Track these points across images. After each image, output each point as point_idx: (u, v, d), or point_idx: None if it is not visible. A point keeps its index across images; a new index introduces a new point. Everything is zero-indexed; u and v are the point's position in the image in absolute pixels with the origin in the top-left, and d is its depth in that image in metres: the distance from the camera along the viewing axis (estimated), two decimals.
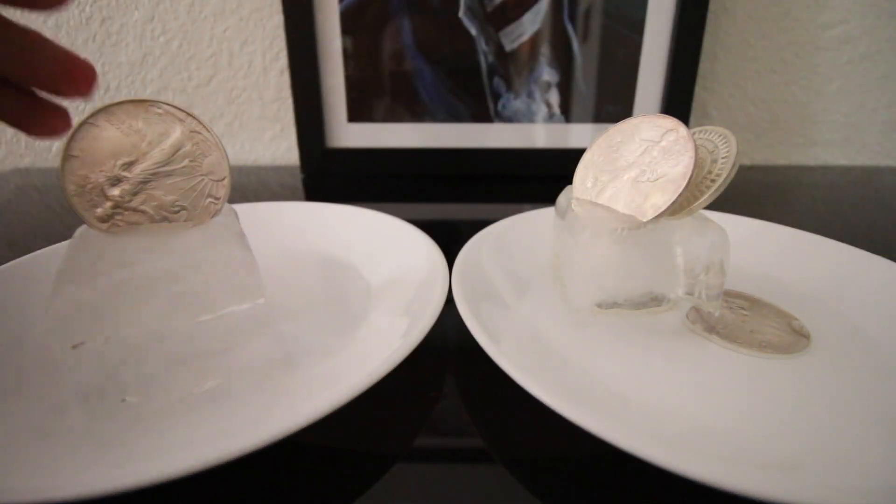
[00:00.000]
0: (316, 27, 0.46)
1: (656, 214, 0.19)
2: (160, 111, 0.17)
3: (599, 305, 0.22)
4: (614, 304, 0.22)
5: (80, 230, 0.18)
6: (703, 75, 0.53)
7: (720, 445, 0.15)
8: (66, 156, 0.16)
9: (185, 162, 0.18)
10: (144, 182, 0.17)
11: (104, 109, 0.17)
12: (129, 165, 0.17)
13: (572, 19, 0.47)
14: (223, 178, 0.18)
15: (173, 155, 0.17)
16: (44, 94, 0.16)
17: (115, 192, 0.17)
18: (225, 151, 0.18)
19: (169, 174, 0.17)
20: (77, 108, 0.53)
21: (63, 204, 0.41)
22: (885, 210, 0.40)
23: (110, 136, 0.17)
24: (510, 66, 0.48)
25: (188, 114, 0.18)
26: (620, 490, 0.15)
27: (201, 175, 0.18)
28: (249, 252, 0.18)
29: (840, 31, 0.51)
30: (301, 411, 0.14)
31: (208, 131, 0.18)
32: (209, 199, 0.18)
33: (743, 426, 0.16)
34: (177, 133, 0.17)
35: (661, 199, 0.19)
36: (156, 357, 0.17)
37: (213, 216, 0.18)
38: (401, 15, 0.47)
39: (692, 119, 0.53)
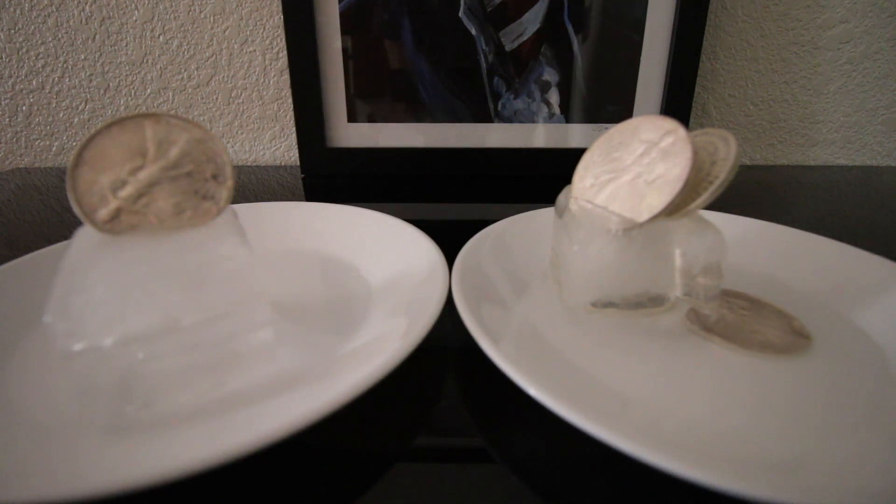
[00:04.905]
0: (316, 27, 0.46)
1: (652, 215, 0.19)
2: (169, 123, 0.18)
3: (594, 304, 0.22)
4: (609, 304, 0.22)
5: (81, 231, 0.18)
6: (703, 75, 0.53)
7: (720, 447, 0.15)
8: (77, 162, 0.17)
9: (190, 167, 0.18)
10: (149, 185, 0.17)
11: (117, 122, 0.17)
12: (135, 170, 0.17)
13: (572, 19, 0.47)
14: (226, 182, 0.18)
15: (179, 160, 0.18)
16: None
17: (121, 194, 0.17)
18: (229, 157, 0.19)
19: (174, 178, 0.18)
20: (80, 110, 0.53)
21: (63, 204, 0.41)
22: (885, 210, 0.40)
23: (120, 144, 0.17)
24: (510, 66, 0.48)
25: (196, 125, 0.18)
26: (620, 491, 0.15)
27: (205, 179, 0.18)
28: (249, 252, 0.18)
29: (840, 30, 0.51)
30: (301, 411, 0.14)
31: (214, 140, 0.18)
32: (211, 202, 0.18)
33: (743, 427, 0.16)
34: (183, 140, 0.18)
35: (657, 200, 0.19)
36: (155, 358, 0.17)
37: (214, 217, 0.18)
38: (401, 15, 0.47)
39: (692, 119, 0.53)
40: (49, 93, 0.53)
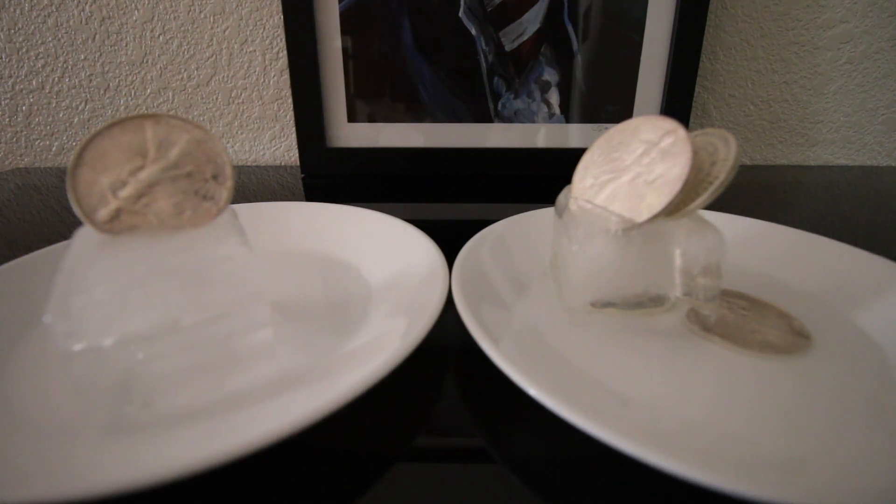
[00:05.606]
0: (316, 27, 0.46)
1: (651, 216, 0.19)
2: (169, 123, 0.18)
3: (593, 304, 0.22)
4: (609, 304, 0.22)
5: (80, 231, 0.18)
6: (704, 74, 0.53)
7: (720, 447, 0.15)
8: (77, 162, 0.17)
9: (190, 167, 0.18)
10: (149, 185, 0.17)
11: (117, 122, 0.17)
12: (135, 171, 0.17)
13: (572, 19, 0.47)
14: (226, 182, 0.18)
15: (179, 161, 0.18)
16: None
17: (121, 194, 0.17)
18: (229, 157, 0.19)
19: (174, 178, 0.18)
20: (80, 110, 0.53)
21: (63, 204, 0.41)
22: (885, 210, 0.40)
23: (121, 145, 0.17)
24: (510, 66, 0.48)
25: (196, 125, 0.18)
26: (620, 491, 0.15)
27: (205, 179, 0.18)
28: (249, 252, 0.18)
29: (840, 30, 0.51)
30: (301, 411, 0.14)
31: (214, 140, 0.18)
32: (211, 202, 0.18)
33: (743, 427, 0.16)
34: (183, 141, 0.18)
35: (657, 200, 0.19)
36: (155, 358, 0.17)
37: (214, 217, 0.18)
38: (401, 15, 0.47)
39: (692, 119, 0.53)
40: (49, 93, 0.53)
